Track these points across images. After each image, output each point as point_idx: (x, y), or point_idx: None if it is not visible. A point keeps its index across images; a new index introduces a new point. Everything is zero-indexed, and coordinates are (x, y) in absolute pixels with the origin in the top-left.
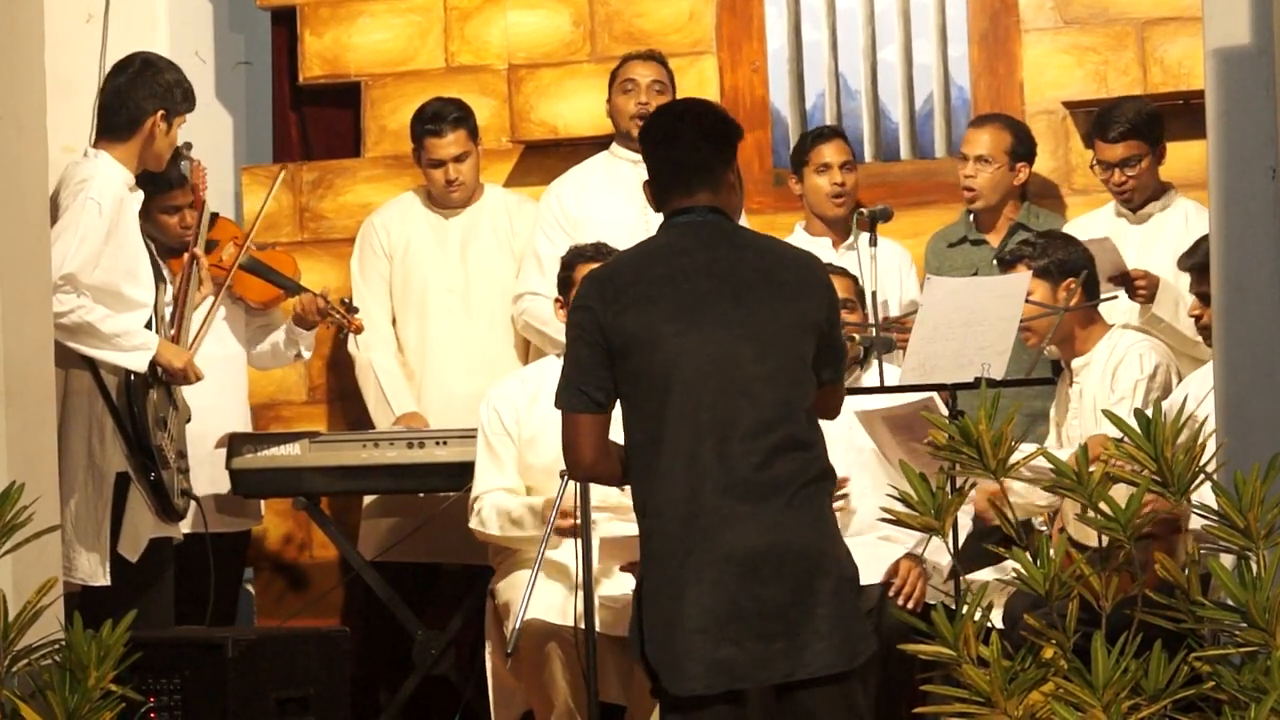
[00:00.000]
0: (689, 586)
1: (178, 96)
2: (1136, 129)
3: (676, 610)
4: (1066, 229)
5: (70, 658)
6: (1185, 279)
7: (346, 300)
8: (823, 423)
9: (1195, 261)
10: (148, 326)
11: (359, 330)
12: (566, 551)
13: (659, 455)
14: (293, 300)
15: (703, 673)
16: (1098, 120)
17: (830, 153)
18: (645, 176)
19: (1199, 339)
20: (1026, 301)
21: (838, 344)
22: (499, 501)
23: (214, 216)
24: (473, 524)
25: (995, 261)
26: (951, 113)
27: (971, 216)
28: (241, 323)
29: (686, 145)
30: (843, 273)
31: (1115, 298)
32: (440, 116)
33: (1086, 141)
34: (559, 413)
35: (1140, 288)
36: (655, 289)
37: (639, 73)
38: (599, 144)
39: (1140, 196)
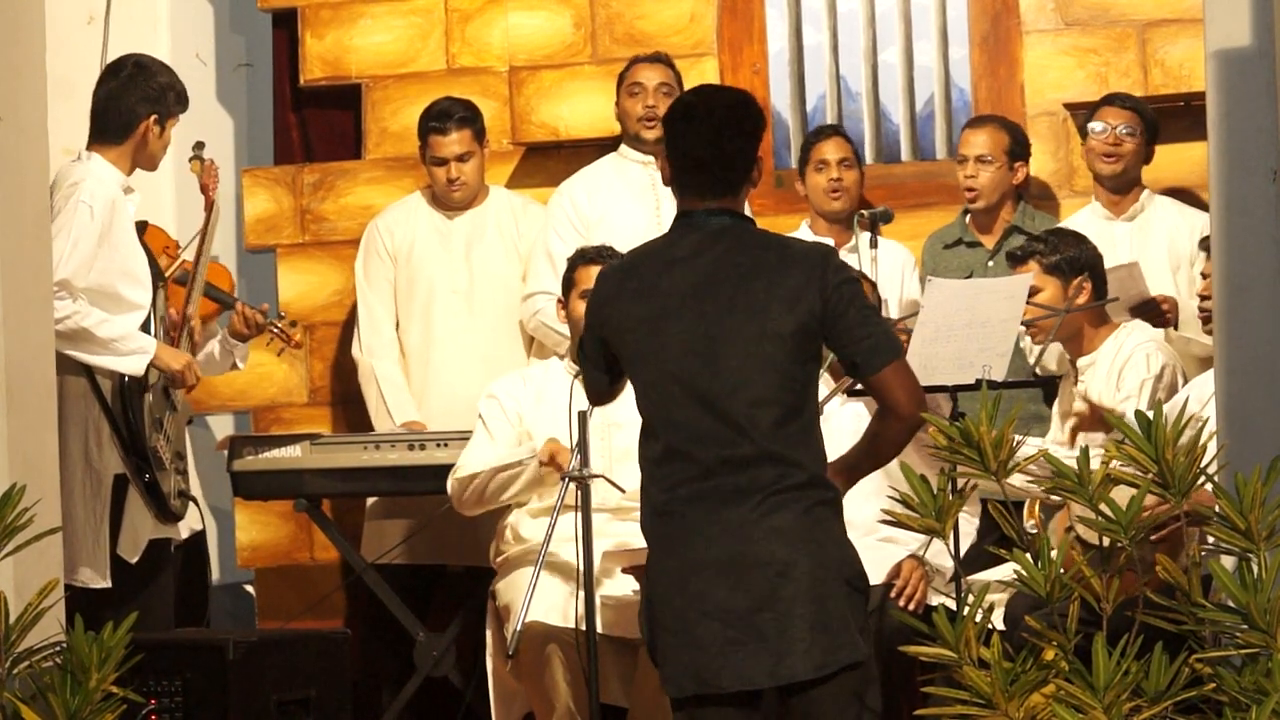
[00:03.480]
0: (665, 589)
1: (170, 100)
2: (1142, 113)
3: (657, 610)
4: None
5: (71, 659)
6: (1179, 275)
7: (284, 314)
8: (834, 420)
9: None
10: (145, 327)
11: (298, 346)
12: (568, 553)
13: (650, 460)
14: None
15: (674, 675)
16: (1107, 96)
17: (828, 149)
18: (655, 178)
19: None
20: (1031, 302)
21: (858, 330)
22: (485, 456)
23: (143, 225)
24: (451, 479)
25: (1006, 257)
26: (952, 114)
27: (968, 218)
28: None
29: (711, 140)
30: (862, 277)
31: (1117, 299)
32: (446, 114)
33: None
34: (561, 417)
35: (1167, 312)
36: (632, 306)
37: (646, 75)
38: (600, 146)
39: (1120, 171)
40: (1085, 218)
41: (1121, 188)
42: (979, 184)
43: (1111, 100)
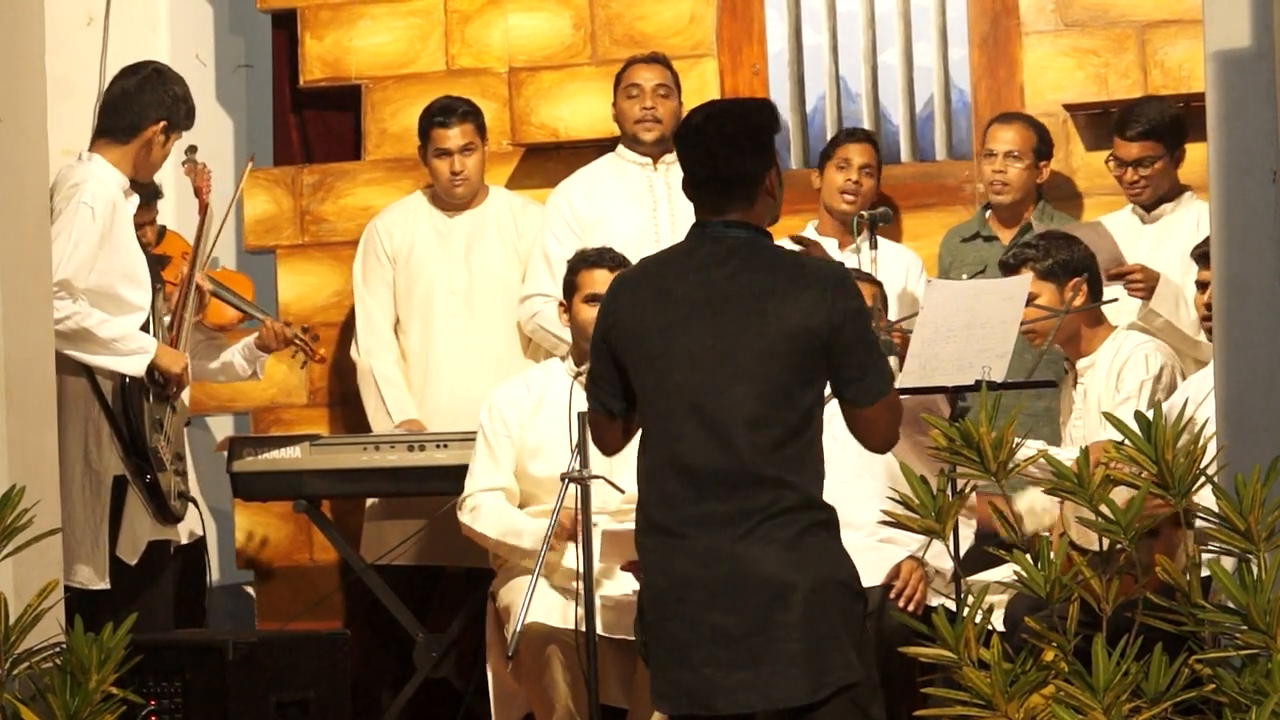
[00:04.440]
0: (661, 608)
1: (181, 112)
2: (1155, 130)
3: (652, 629)
4: (1050, 229)
5: (71, 660)
6: (1188, 276)
7: (309, 328)
8: (831, 428)
9: (1206, 250)
10: (144, 329)
11: (322, 360)
12: (567, 555)
13: (645, 473)
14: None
15: (669, 692)
16: (1120, 116)
17: (853, 152)
18: (653, 179)
19: (1199, 338)
20: (1031, 305)
21: (858, 361)
22: (499, 505)
23: (163, 229)
24: (463, 519)
25: (999, 266)
26: (952, 115)
27: (987, 213)
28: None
29: (720, 158)
30: (868, 279)
31: (1117, 300)
32: (449, 109)
33: (1090, 144)
34: (562, 422)
35: (1137, 282)
36: (644, 315)
37: (643, 76)
38: (600, 147)
39: (1152, 196)
40: (1123, 217)
41: (1155, 204)
42: (1009, 179)
43: (1123, 127)
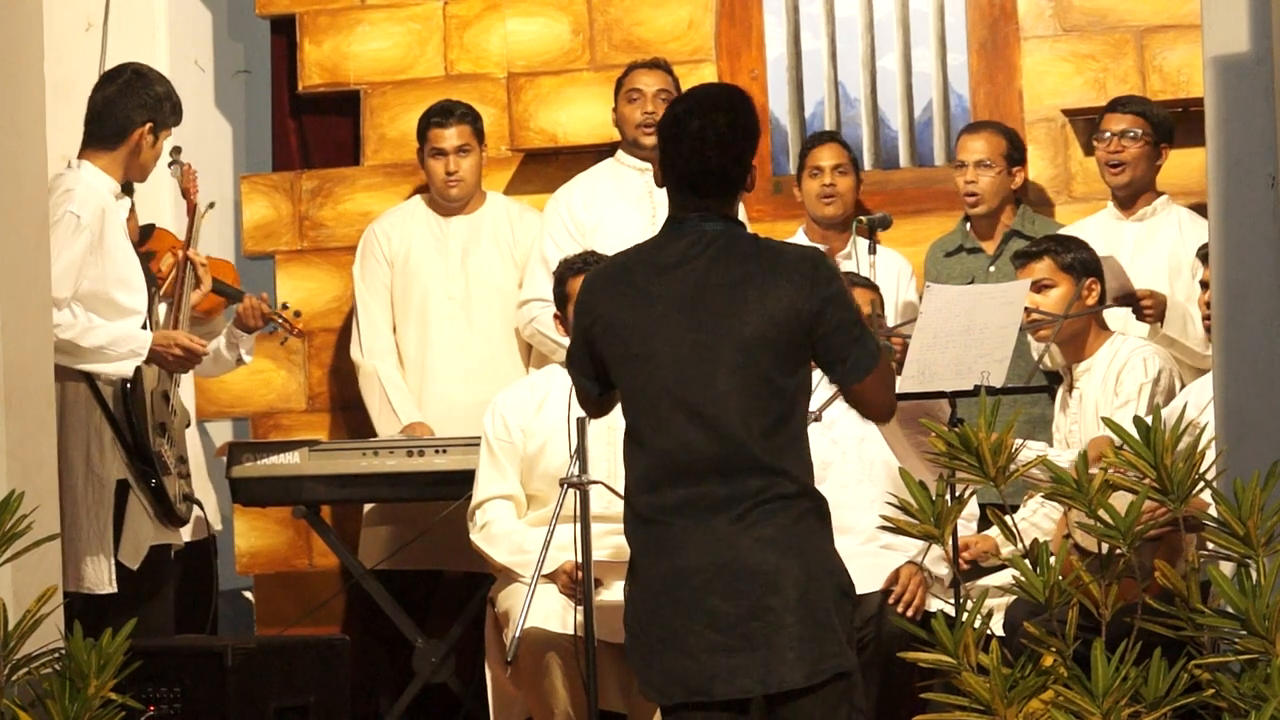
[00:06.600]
0: (651, 596)
1: (166, 110)
2: (1147, 114)
3: (644, 618)
4: (1063, 233)
5: (70, 666)
6: (1177, 281)
7: (287, 304)
8: (832, 433)
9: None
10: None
11: (302, 334)
12: (566, 560)
13: (631, 466)
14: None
15: (660, 681)
16: (1115, 99)
17: (822, 155)
18: (652, 184)
19: (1208, 351)
20: (1038, 302)
21: (843, 340)
22: (509, 527)
23: (150, 227)
24: (474, 537)
25: (1015, 255)
26: (951, 121)
27: (968, 225)
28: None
29: (701, 152)
30: (866, 283)
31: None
32: (447, 111)
33: (1089, 149)
34: (564, 422)
35: (1147, 308)
36: (622, 310)
37: (644, 82)
38: (599, 152)
39: (1130, 176)
40: (1100, 220)
41: (1131, 197)
42: (980, 188)
43: (1114, 106)
